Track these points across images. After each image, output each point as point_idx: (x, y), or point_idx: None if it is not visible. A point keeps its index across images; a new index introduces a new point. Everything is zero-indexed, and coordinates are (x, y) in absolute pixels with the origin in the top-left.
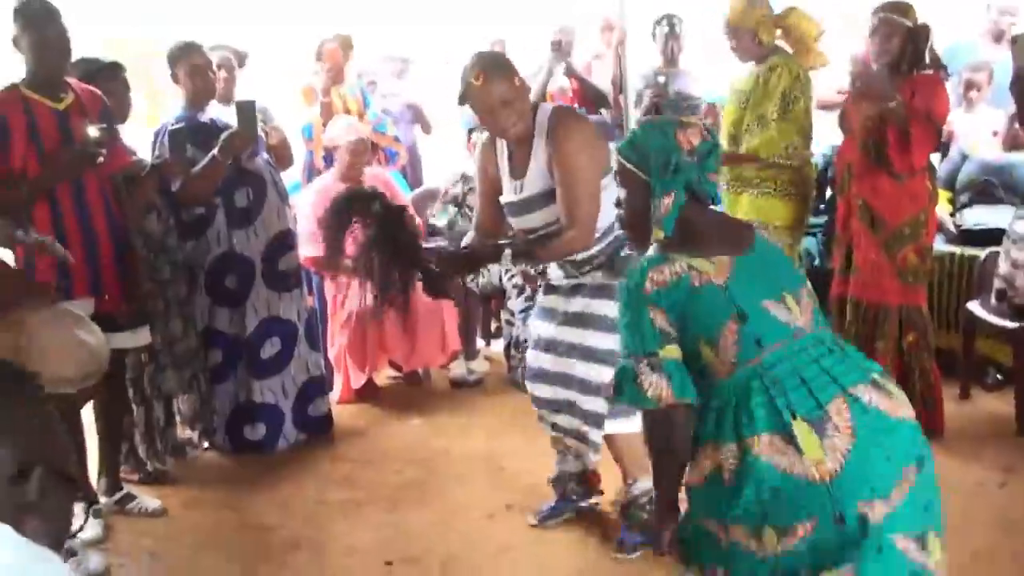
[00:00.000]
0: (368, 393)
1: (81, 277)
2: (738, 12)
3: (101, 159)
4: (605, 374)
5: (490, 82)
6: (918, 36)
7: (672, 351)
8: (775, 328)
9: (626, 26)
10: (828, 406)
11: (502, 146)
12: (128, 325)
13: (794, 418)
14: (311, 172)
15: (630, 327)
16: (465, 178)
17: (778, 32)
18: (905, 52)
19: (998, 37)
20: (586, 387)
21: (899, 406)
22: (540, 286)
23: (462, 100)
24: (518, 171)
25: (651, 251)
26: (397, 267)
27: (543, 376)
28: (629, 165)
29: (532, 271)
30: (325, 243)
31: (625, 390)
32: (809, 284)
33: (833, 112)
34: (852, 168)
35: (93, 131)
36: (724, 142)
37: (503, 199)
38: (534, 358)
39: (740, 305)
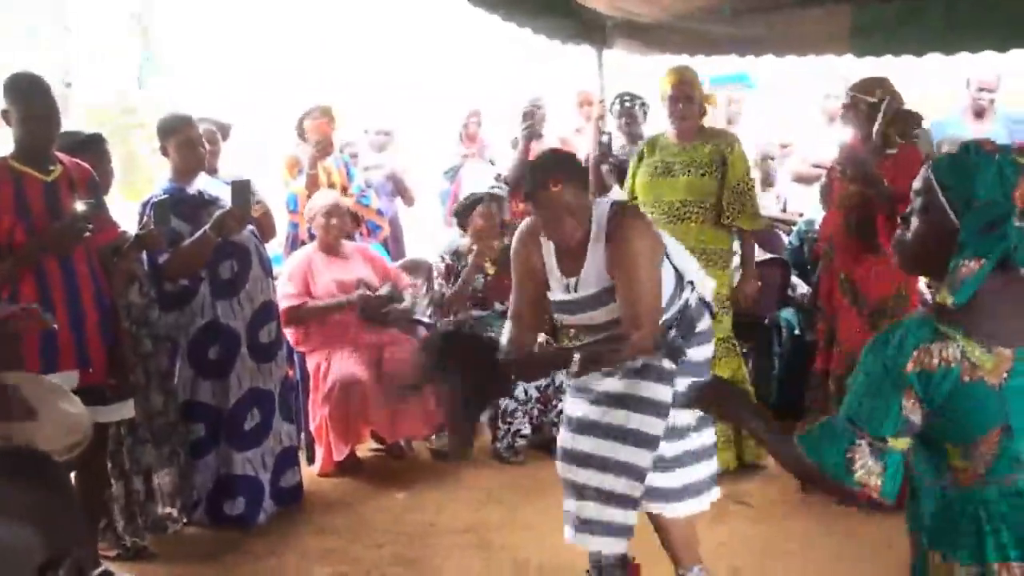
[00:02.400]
0: (350, 465)
1: (67, 349)
2: (676, 79)
3: (88, 233)
4: (644, 459)
5: (565, 189)
6: (884, 111)
7: (902, 443)
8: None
9: (605, 101)
10: None
11: (549, 242)
12: (113, 398)
13: None
14: (295, 244)
15: (868, 396)
16: (458, 253)
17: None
18: (880, 129)
19: (979, 113)
20: (622, 469)
21: None
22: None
23: (528, 197)
24: (570, 268)
25: (919, 313)
26: (476, 405)
27: (579, 459)
28: (941, 197)
29: None
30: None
31: (827, 453)
32: None
33: (810, 186)
34: (834, 242)
35: (80, 205)
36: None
37: (552, 296)
38: (569, 440)
39: (1011, 415)
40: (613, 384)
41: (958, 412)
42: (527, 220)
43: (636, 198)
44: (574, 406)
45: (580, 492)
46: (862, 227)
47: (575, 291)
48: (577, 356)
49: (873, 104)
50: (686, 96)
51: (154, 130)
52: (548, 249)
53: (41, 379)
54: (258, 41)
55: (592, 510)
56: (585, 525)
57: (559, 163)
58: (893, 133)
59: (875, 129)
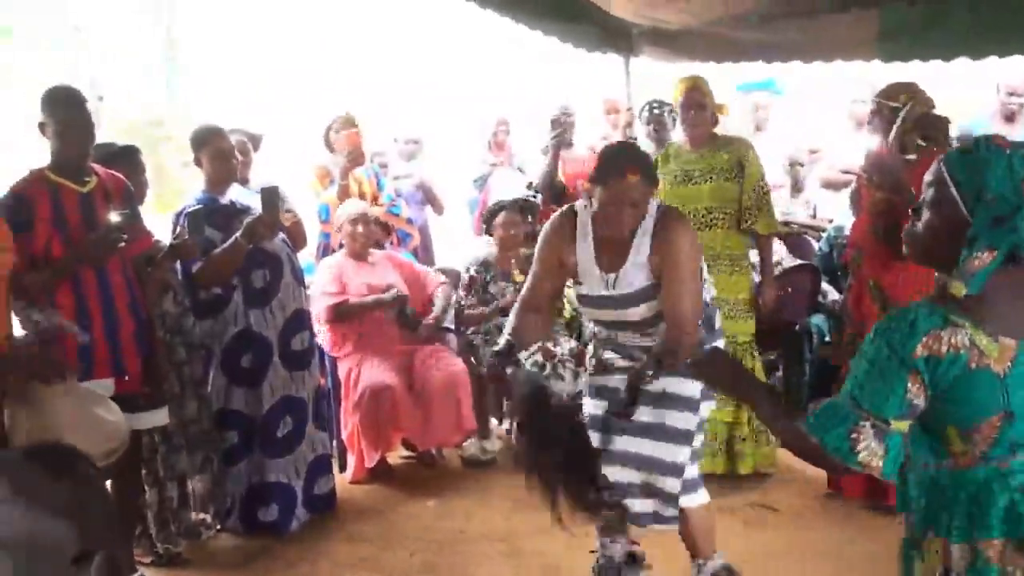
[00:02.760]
0: (381, 472)
1: (102, 358)
2: (690, 87)
3: (123, 243)
4: (682, 454)
5: (640, 182)
6: (904, 117)
7: (903, 426)
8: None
9: (633, 108)
10: None
11: (586, 234)
12: (147, 406)
13: None
14: (326, 254)
15: (873, 378)
16: (486, 264)
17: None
18: (898, 134)
19: (1009, 117)
20: (663, 467)
21: None
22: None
23: (600, 181)
24: (609, 264)
25: (926, 301)
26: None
27: (618, 459)
28: (953, 190)
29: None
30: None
31: (831, 433)
32: None
33: (838, 192)
34: (862, 248)
35: (115, 216)
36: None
37: (586, 291)
38: (605, 441)
39: (1013, 402)
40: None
41: (963, 397)
42: (561, 212)
43: None
44: (600, 408)
45: (624, 491)
46: (890, 233)
47: (614, 287)
48: (647, 373)
49: (897, 109)
50: (698, 104)
51: (182, 142)
52: (586, 243)
53: (79, 386)
54: (285, 52)
55: (639, 506)
56: (635, 519)
57: (636, 155)
58: (915, 138)
59: (893, 135)
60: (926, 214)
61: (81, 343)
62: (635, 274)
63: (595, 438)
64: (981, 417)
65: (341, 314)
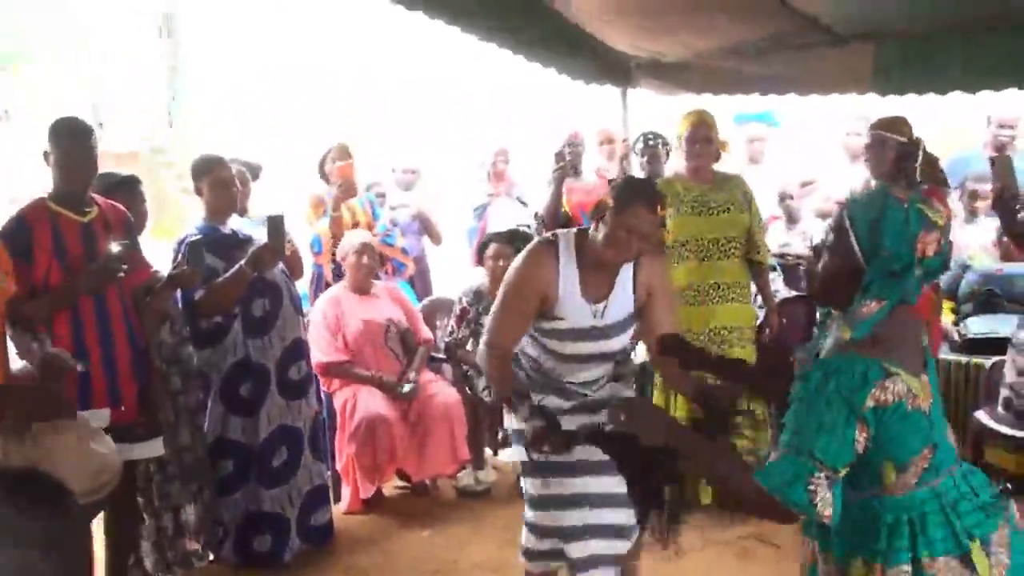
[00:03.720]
0: (375, 503)
1: (99, 387)
2: (700, 120)
3: (122, 274)
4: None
5: (657, 218)
6: (908, 152)
7: (846, 471)
8: (950, 454)
9: (629, 140)
10: (1000, 527)
11: (569, 266)
12: (143, 436)
13: (972, 541)
14: (319, 284)
15: (825, 431)
16: (478, 295)
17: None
18: (900, 168)
19: (999, 149)
20: (609, 500)
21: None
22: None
23: (622, 207)
24: (596, 295)
25: (853, 351)
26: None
27: (573, 502)
28: (852, 238)
29: None
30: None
31: (792, 488)
32: None
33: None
34: None
35: (115, 247)
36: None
37: (568, 324)
38: (557, 485)
39: (935, 435)
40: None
41: (901, 438)
42: (539, 242)
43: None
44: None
45: (578, 534)
46: None
47: (602, 317)
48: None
49: (897, 142)
50: (704, 138)
51: (182, 169)
52: (569, 273)
53: (72, 420)
54: (285, 81)
55: (598, 547)
56: (591, 561)
57: (659, 192)
58: (914, 172)
59: (899, 165)
60: (826, 256)
61: (81, 371)
62: (622, 303)
63: (550, 483)
64: (917, 452)
65: (333, 373)
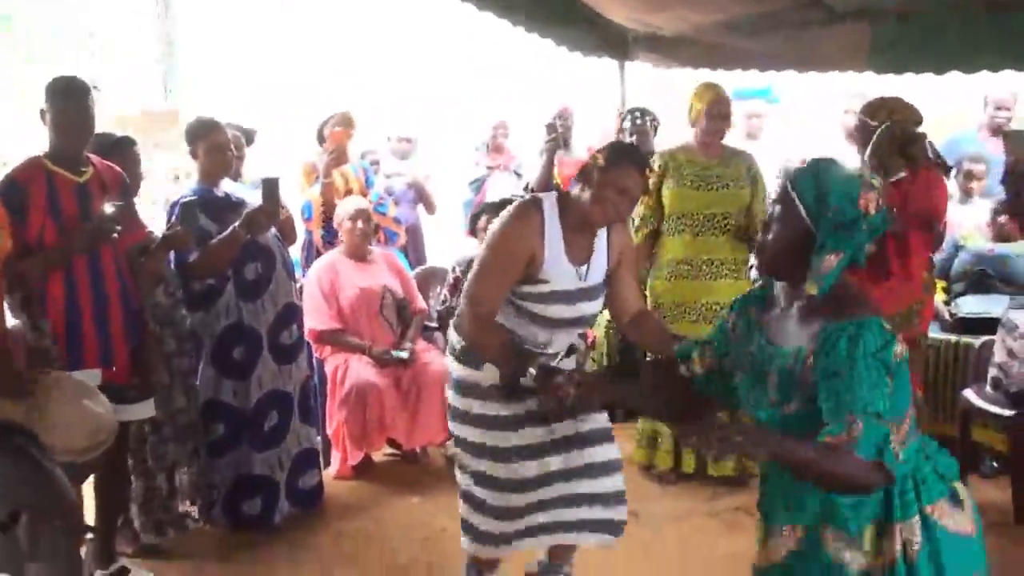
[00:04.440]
0: (365, 469)
1: (92, 348)
2: (716, 95)
3: (116, 234)
4: (614, 450)
5: (644, 181)
6: (886, 135)
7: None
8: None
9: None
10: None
11: (553, 227)
12: (136, 397)
13: (953, 481)
14: (310, 251)
15: (879, 391)
16: (470, 266)
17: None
18: (886, 152)
19: (995, 131)
20: (607, 468)
21: None
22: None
23: (610, 167)
24: (579, 257)
25: (862, 314)
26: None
27: (576, 473)
28: (799, 203)
29: None
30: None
31: (887, 453)
32: None
33: None
34: None
35: (109, 207)
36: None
37: (552, 287)
38: (560, 460)
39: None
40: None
41: (902, 390)
42: (525, 202)
43: (652, 210)
44: (533, 434)
45: (575, 501)
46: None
47: (586, 279)
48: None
49: (874, 129)
50: (722, 114)
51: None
52: (554, 235)
53: (68, 377)
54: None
55: (598, 512)
56: (586, 525)
57: (646, 158)
58: (897, 158)
59: (869, 153)
60: (775, 227)
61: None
62: (600, 266)
63: (532, 467)
64: (907, 404)
65: (325, 341)
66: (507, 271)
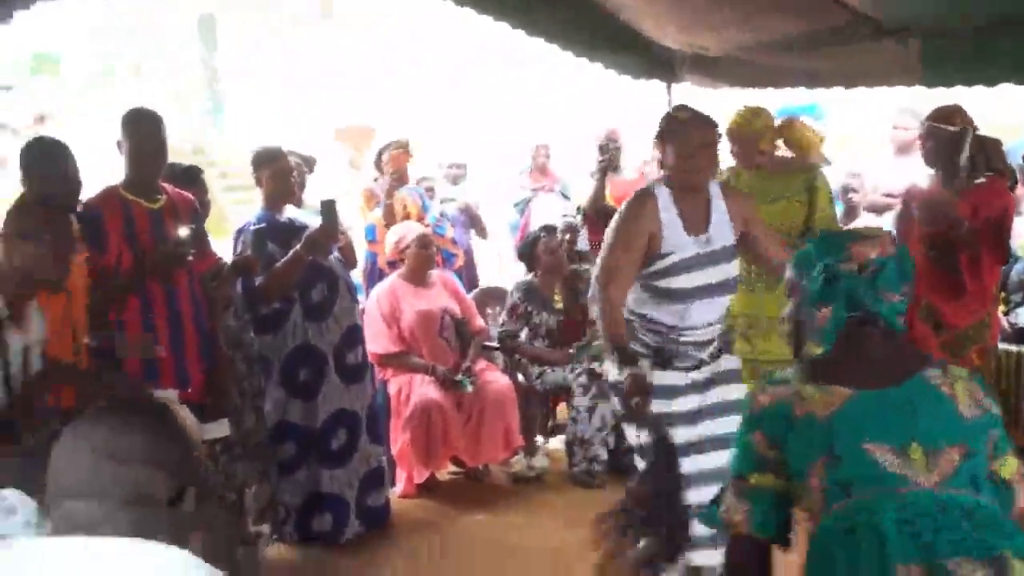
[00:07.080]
0: (429, 488)
1: (167, 369)
2: (741, 121)
3: (190, 259)
4: None
5: (711, 124)
6: (956, 142)
7: (765, 480)
8: (873, 475)
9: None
10: (897, 571)
11: (667, 204)
12: (210, 417)
13: None
14: (373, 274)
15: (736, 443)
16: (529, 290)
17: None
18: (954, 159)
19: None
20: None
21: None
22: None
23: (686, 130)
24: (697, 225)
25: (792, 368)
26: None
27: (722, 443)
28: (791, 272)
29: (597, 368)
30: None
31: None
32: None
33: (881, 215)
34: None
35: (183, 232)
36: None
37: (675, 258)
38: (691, 463)
39: (835, 445)
40: (710, 368)
41: (794, 444)
42: (640, 191)
43: None
44: (679, 403)
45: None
46: (944, 262)
47: (708, 245)
48: None
49: (954, 133)
50: (750, 139)
51: (224, 168)
52: (669, 214)
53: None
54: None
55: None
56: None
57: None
58: (981, 163)
59: (962, 159)
60: (790, 305)
61: (153, 355)
62: (722, 230)
63: (696, 432)
64: (809, 462)
65: (388, 364)
66: (631, 249)
